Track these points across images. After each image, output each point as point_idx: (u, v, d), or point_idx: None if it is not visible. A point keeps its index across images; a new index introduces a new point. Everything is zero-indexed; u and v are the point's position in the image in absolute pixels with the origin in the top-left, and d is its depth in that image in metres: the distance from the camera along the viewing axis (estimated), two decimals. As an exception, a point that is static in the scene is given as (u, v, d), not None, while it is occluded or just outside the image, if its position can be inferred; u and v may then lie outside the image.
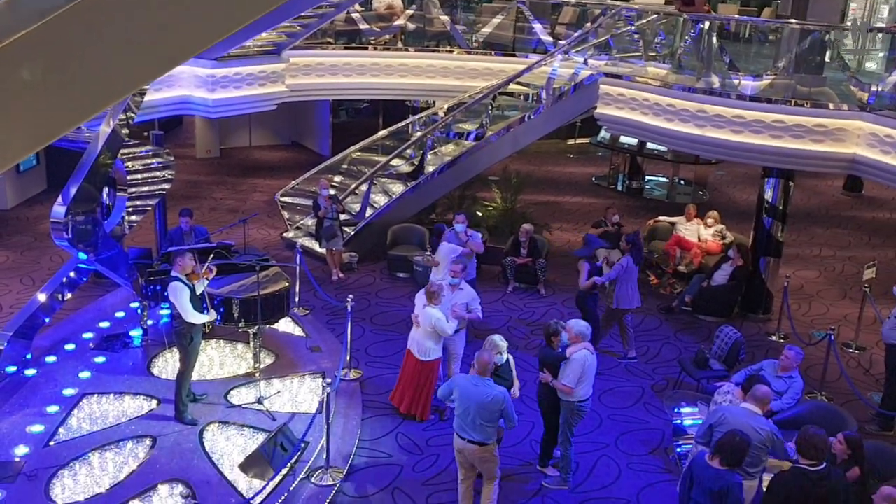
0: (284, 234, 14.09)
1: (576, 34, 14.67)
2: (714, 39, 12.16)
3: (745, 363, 9.21)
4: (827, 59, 11.80)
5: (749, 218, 13.10)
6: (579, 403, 7.73)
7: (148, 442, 8.05)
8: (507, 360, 7.62)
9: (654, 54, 13.59)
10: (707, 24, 12.17)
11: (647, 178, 18.71)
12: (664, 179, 18.70)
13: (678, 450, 8.34)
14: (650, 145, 17.16)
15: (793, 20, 12.20)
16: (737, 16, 14.86)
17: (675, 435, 8.50)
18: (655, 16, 13.67)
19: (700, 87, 11.45)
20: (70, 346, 9.80)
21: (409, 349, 8.84)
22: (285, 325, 10.54)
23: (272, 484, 7.38)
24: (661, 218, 13.95)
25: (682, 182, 18.67)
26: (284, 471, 7.59)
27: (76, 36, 3.09)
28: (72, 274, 9.60)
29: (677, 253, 13.03)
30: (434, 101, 16.66)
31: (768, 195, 11.73)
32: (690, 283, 12.20)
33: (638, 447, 8.79)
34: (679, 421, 8.54)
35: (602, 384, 9.91)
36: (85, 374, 9.18)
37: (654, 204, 17.21)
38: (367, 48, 15.32)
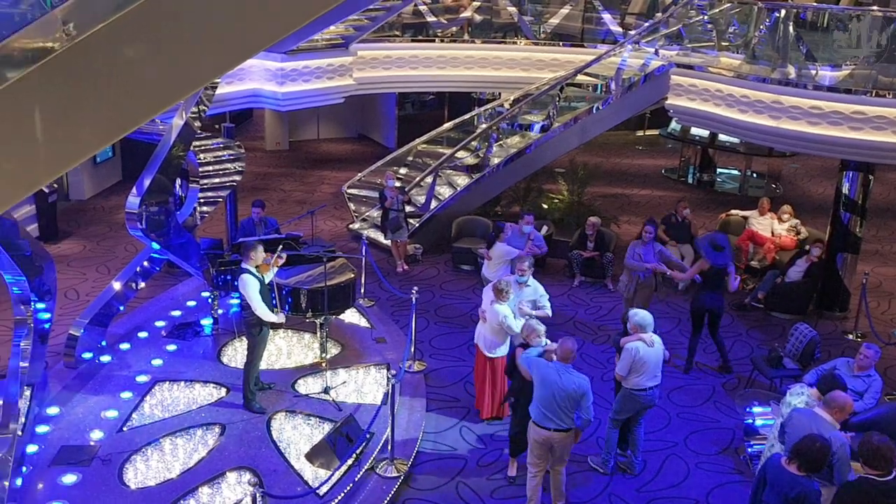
0: (351, 226, 14.21)
1: (646, 24, 14.39)
2: (790, 28, 11.77)
3: (821, 362, 8.92)
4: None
5: (825, 212, 12.70)
6: (633, 391, 7.70)
7: (217, 429, 8.20)
8: (546, 343, 7.53)
9: (727, 44, 13.23)
10: (783, 12, 11.79)
11: (719, 170, 18.29)
12: (736, 172, 18.24)
13: (749, 450, 8.14)
14: (722, 137, 16.73)
15: (874, 7, 11.72)
16: (814, 3, 14.34)
17: (747, 435, 8.29)
18: (729, 4, 13.31)
19: (775, 78, 11.12)
20: (143, 334, 10.05)
21: (476, 344, 8.80)
22: (351, 316, 10.62)
23: (338, 474, 7.44)
24: (733, 212, 13.61)
25: (755, 175, 18.19)
26: (350, 461, 7.64)
27: (158, 26, 3.14)
28: (145, 263, 9.83)
29: (750, 248, 12.70)
30: (500, 93, 16.57)
31: (846, 189, 11.34)
32: (764, 279, 11.86)
33: (708, 446, 8.60)
34: (751, 420, 8.34)
35: (671, 382, 9.74)
36: (157, 362, 9.40)
37: (726, 197, 16.81)
38: (433, 40, 15.30)
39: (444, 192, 13.73)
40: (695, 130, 17.22)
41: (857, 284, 11.42)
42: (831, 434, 6.08)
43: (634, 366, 7.60)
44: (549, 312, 8.97)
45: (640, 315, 7.77)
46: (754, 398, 9.03)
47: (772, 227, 12.70)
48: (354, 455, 7.71)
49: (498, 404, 8.77)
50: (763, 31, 12.27)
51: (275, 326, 8.73)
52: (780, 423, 6.56)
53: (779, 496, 5.72)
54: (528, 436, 7.17)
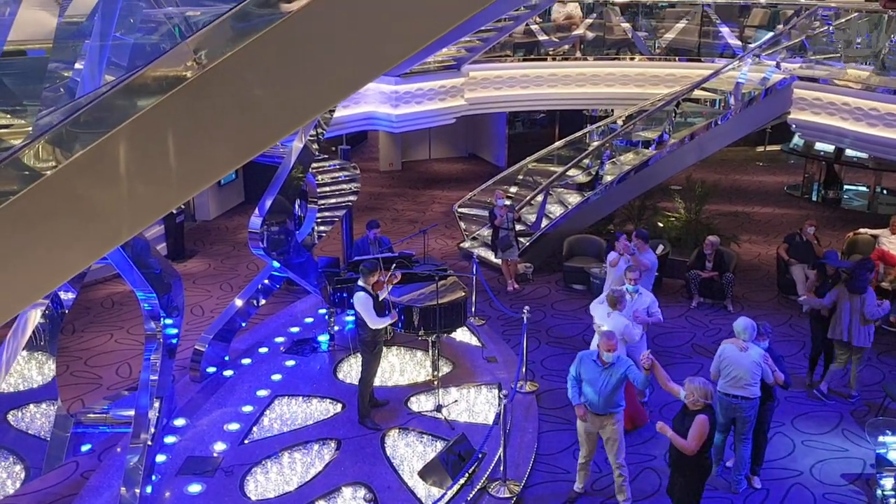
0: (461, 245, 14.30)
1: (767, 36, 13.94)
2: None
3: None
4: None
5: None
6: (720, 393, 7.63)
7: (333, 444, 8.37)
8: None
9: (854, 55, 12.65)
10: (916, 20, 11.21)
11: (846, 187, 17.43)
12: (864, 189, 17.34)
13: (882, 482, 7.65)
14: (849, 152, 15.99)
15: None
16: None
17: (878, 465, 7.79)
18: (856, 14, 12.75)
19: (908, 89, 10.55)
20: (263, 350, 10.40)
21: None
22: (462, 335, 10.67)
23: (450, 493, 7.45)
24: (861, 230, 12.92)
25: (885, 192, 17.22)
26: (462, 480, 7.64)
27: (284, 53, 3.27)
28: (266, 281, 10.19)
29: (880, 268, 11.99)
30: (612, 110, 16.38)
31: None
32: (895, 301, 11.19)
33: (835, 477, 8.14)
34: (883, 451, 7.85)
35: (795, 408, 9.30)
36: (276, 377, 9.70)
37: (853, 215, 15.98)
38: (545, 59, 15.30)
39: (556, 210, 13.64)
40: (819, 145, 16.49)
41: None
42: None
43: (721, 367, 7.63)
44: (661, 317, 9.02)
45: (739, 321, 7.74)
46: (886, 427, 8.50)
47: (904, 246, 11.98)
48: (467, 474, 7.71)
49: (639, 412, 8.75)
50: (894, 41, 11.67)
51: (387, 344, 8.83)
52: None
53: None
54: None
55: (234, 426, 8.64)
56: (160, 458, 7.97)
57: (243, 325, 10.23)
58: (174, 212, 13.61)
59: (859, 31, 13.09)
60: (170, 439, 8.35)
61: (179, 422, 8.68)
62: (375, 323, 8.43)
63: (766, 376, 7.52)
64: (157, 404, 7.71)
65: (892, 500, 6.59)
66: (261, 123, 3.38)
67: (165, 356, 7.77)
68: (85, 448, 7.78)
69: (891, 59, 11.67)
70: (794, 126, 12.25)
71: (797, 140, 17.08)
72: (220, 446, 8.28)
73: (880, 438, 8.06)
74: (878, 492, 7.58)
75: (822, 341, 9.66)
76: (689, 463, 6.56)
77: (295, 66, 3.35)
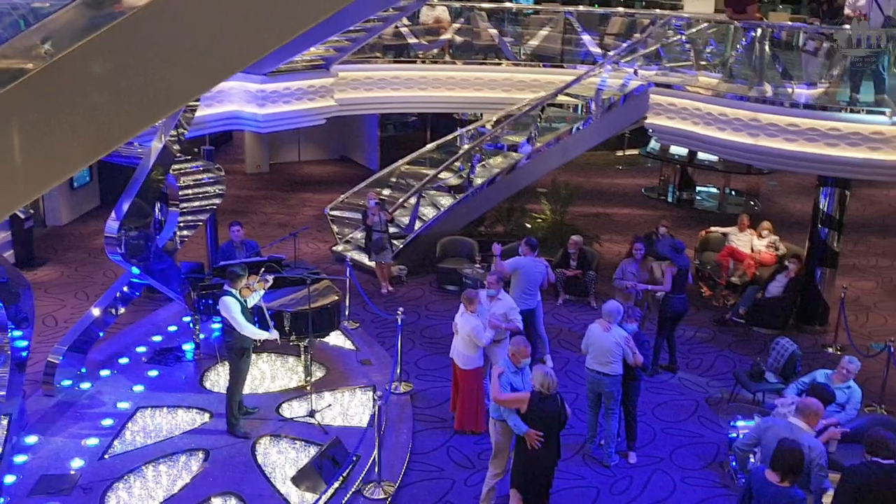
0: (334, 248, 14.17)
1: (625, 44, 14.54)
2: (766, 48, 11.93)
3: (801, 376, 8.96)
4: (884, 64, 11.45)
5: (803, 228, 12.81)
6: (586, 368, 8.34)
7: (201, 455, 8.10)
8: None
9: (705, 63, 13.38)
10: (759, 31, 11.95)
11: (698, 188, 18.43)
12: (715, 190, 18.38)
13: (734, 464, 8.14)
14: (701, 156, 16.90)
15: (846, 26, 11.88)
16: (789, 23, 14.55)
17: (731, 449, 8.29)
18: (706, 24, 13.48)
19: (752, 96, 11.23)
20: (124, 360, 9.94)
21: (451, 357, 8.81)
22: (336, 339, 10.56)
23: (324, 497, 7.37)
24: (713, 229, 13.70)
25: (734, 193, 18.33)
26: (336, 484, 7.57)
27: (135, 45, 3.13)
28: (125, 288, 9.75)
29: (730, 264, 12.77)
30: (482, 114, 16.64)
31: (823, 205, 11.45)
32: (744, 294, 11.94)
33: (693, 461, 8.60)
34: (735, 434, 8.37)
35: (655, 398, 9.75)
36: (139, 388, 9.30)
37: (706, 215, 16.92)
38: (414, 62, 15.37)
39: (428, 212, 13.73)
40: (674, 149, 17.34)
41: (835, 298, 11.50)
42: (809, 441, 6.23)
43: (588, 345, 8.21)
44: (521, 326, 9.00)
45: (608, 304, 8.28)
46: (738, 412, 9.09)
47: (751, 243, 12.78)
48: (341, 478, 7.65)
49: (480, 418, 8.74)
50: (740, 50, 12.42)
51: (257, 350, 8.65)
52: (755, 437, 6.62)
53: (767, 510, 5.73)
54: None
55: (92, 441, 8.21)
56: (9, 478, 7.47)
57: (101, 335, 9.76)
58: (21, 216, 12.82)
59: (709, 40, 13.85)
60: (20, 458, 7.83)
61: (31, 439, 8.17)
62: (248, 331, 8.21)
63: (627, 357, 8.05)
64: (4, 422, 7.22)
65: (742, 478, 7.00)
66: (114, 118, 3.21)
67: (14, 370, 7.31)
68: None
69: (737, 67, 12.41)
70: (650, 130, 12.80)
71: (654, 144, 17.88)
72: (77, 463, 7.85)
73: (733, 423, 8.59)
74: (730, 472, 8.08)
75: (671, 330, 10.43)
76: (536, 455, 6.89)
77: (149, 58, 3.20)
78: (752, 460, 7.03)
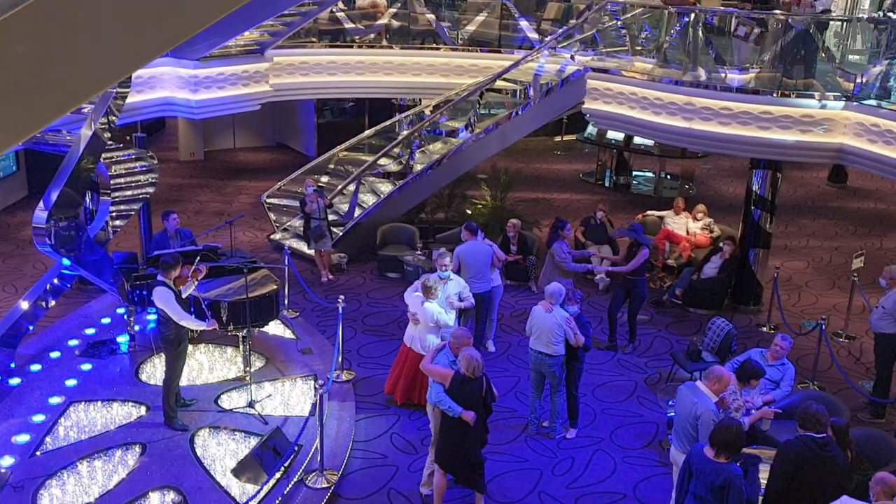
0: (272, 236, 13.96)
1: (561, 30, 14.60)
2: (700, 32, 12.12)
3: (737, 354, 9.18)
4: (813, 50, 11.76)
5: (736, 211, 13.08)
6: (530, 348, 8.52)
7: (137, 449, 7.91)
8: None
9: (640, 48, 13.54)
10: (692, 16, 12.13)
11: (635, 173, 18.71)
12: (651, 175, 18.70)
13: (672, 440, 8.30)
14: (637, 140, 17.14)
15: (777, 11, 12.15)
16: (721, 8, 14.82)
17: (670, 428, 8.44)
18: (640, 10, 13.62)
19: (687, 81, 11.41)
20: (55, 354, 9.63)
21: (407, 346, 8.76)
22: (275, 328, 10.40)
23: (266, 488, 7.27)
24: (649, 212, 13.91)
25: (669, 177, 18.67)
26: (278, 474, 7.48)
27: (52, 23, 2.98)
28: (56, 280, 9.45)
29: (666, 247, 13.00)
30: (420, 99, 16.56)
31: (756, 187, 11.73)
32: (680, 276, 12.17)
33: (633, 441, 8.75)
34: (672, 414, 8.49)
35: (595, 379, 9.88)
36: (71, 382, 9.02)
37: (642, 199, 17.20)
38: (351, 46, 15.20)
39: (368, 199, 13.62)
40: (610, 134, 17.55)
41: (768, 279, 11.81)
42: (703, 402, 6.58)
43: (531, 325, 8.39)
44: (473, 302, 9.34)
45: (550, 285, 8.47)
46: (676, 392, 9.22)
47: (686, 226, 13.04)
48: (283, 468, 7.55)
49: (416, 389, 8.81)
50: (674, 35, 12.58)
51: (194, 341, 8.47)
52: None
53: (705, 485, 5.86)
54: None
55: (23, 438, 7.95)
56: (-65, 479, 7.19)
57: (31, 328, 9.45)
58: (-55, 208, 12.31)
59: (644, 25, 14.00)
60: (-54, 458, 7.55)
61: (-43, 438, 7.88)
62: (185, 321, 8.02)
63: (569, 337, 8.21)
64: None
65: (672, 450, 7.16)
66: (34, 101, 3.06)
67: (-62, 366, 7.02)
68: None
69: (671, 52, 12.57)
70: (588, 115, 12.90)
71: (591, 129, 18.07)
72: (7, 461, 7.58)
73: (671, 402, 8.74)
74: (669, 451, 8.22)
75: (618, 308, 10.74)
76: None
77: (73, 34, 3.05)
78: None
